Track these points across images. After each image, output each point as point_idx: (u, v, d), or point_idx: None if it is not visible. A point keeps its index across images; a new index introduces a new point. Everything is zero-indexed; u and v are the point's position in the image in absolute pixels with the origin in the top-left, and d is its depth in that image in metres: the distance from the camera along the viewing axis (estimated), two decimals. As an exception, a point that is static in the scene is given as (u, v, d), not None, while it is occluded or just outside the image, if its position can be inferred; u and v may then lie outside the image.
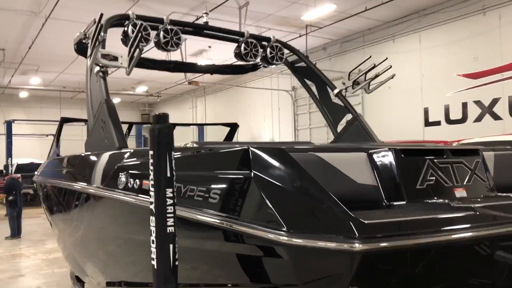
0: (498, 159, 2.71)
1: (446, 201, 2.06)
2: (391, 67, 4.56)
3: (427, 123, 11.95)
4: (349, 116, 4.61)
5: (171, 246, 1.80)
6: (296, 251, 1.61)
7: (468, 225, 1.77)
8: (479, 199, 2.24)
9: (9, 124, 17.80)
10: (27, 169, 15.01)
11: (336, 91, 4.71)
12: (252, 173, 1.78)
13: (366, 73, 4.61)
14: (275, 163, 1.79)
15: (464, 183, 2.31)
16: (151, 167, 1.83)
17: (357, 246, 1.50)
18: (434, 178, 2.21)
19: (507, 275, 2.03)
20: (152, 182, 1.83)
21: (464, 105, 11.09)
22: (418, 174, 2.18)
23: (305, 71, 5.03)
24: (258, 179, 1.76)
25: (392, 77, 4.57)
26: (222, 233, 1.90)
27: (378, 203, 2.13)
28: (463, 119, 11.16)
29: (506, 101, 10.28)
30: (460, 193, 2.27)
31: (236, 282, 1.93)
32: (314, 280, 1.61)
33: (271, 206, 1.68)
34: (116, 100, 20.99)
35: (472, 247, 1.83)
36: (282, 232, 1.61)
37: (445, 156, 2.31)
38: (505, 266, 1.90)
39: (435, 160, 2.25)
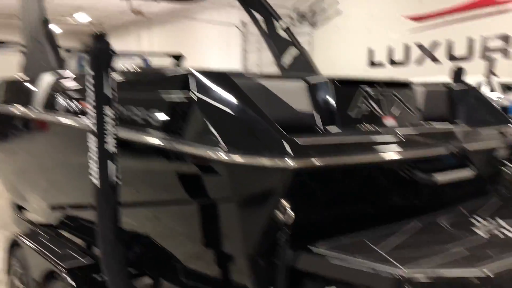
0: (427, 94, 2.90)
1: (376, 128, 2.22)
2: (338, 3, 4.60)
3: (372, 64, 12.26)
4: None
5: (111, 164, 1.84)
6: (234, 168, 1.70)
7: (392, 148, 1.94)
8: (406, 127, 2.42)
9: None
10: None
11: (283, 25, 4.71)
12: (194, 95, 1.82)
13: (312, 8, 4.63)
14: (216, 86, 1.84)
15: (394, 112, 2.48)
16: (91, 87, 1.83)
17: (290, 163, 1.62)
18: (367, 107, 2.36)
19: (425, 194, 2.26)
20: (91, 102, 1.84)
21: (407, 48, 11.43)
22: (352, 103, 2.32)
23: (253, 2, 4.96)
24: (199, 101, 1.81)
25: (337, 13, 4.62)
26: (164, 153, 1.96)
27: (314, 128, 2.26)
28: (405, 61, 11.54)
29: (446, 46, 10.68)
30: (389, 122, 2.44)
31: (178, 200, 2.02)
32: (250, 195, 1.73)
33: (211, 127, 1.74)
34: (57, 30, 19.84)
35: (395, 168, 2.01)
36: (221, 151, 1.69)
37: (378, 88, 2.45)
38: (424, 186, 2.10)
39: (369, 91, 2.39)
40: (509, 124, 2.79)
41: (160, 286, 2.50)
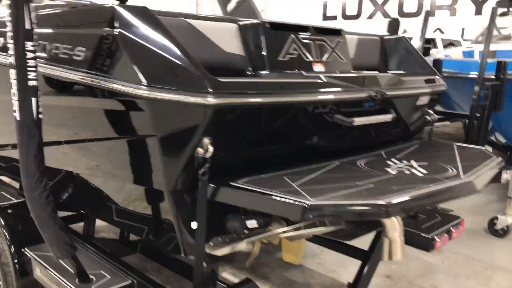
0: (359, 43, 2.99)
1: (303, 72, 2.30)
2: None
3: (325, 17, 12.29)
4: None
5: (33, 99, 1.83)
6: (155, 105, 1.74)
7: (313, 90, 2.02)
8: (333, 73, 2.51)
9: None
10: None
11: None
12: (117, 30, 1.81)
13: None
14: (139, 22, 1.83)
15: (323, 59, 2.55)
16: (9, 19, 1.78)
17: (210, 100, 1.67)
18: (296, 52, 2.41)
19: (345, 137, 2.39)
20: (11, 35, 1.79)
21: (360, 1, 11.51)
22: (282, 47, 2.36)
23: None
24: (121, 36, 1.80)
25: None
26: (88, 89, 1.96)
27: (244, 72, 2.31)
28: (357, 15, 11.64)
29: (398, 2, 10.84)
30: (318, 67, 2.52)
31: (104, 137, 2.04)
32: (171, 131, 1.78)
33: (132, 63, 1.76)
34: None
35: (315, 109, 2.11)
36: (142, 87, 1.72)
37: (308, 33, 2.50)
38: (343, 128, 2.22)
39: (299, 36, 2.44)
40: (434, 75, 2.94)
41: (91, 222, 2.56)
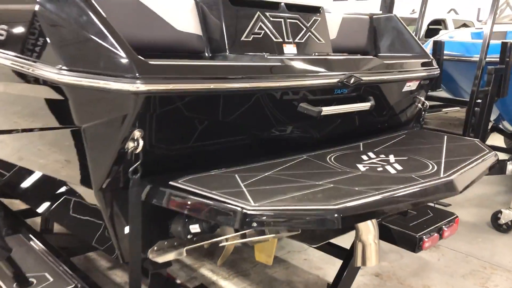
0: (344, 22, 2.70)
1: (266, 54, 2.03)
2: None
3: (335, -2, 11.87)
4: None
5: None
6: (77, 91, 1.51)
7: (268, 75, 1.76)
8: (307, 55, 2.24)
9: None
10: None
11: None
12: (37, 6, 1.58)
13: None
14: None
15: (296, 40, 2.28)
16: None
17: (139, 86, 1.43)
18: (262, 31, 2.15)
19: (314, 128, 2.13)
20: None
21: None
22: (245, 26, 2.10)
23: None
24: (41, 12, 1.57)
25: None
26: (9, 73, 1.73)
27: (200, 54, 2.06)
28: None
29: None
30: (290, 49, 2.25)
31: (28, 127, 1.83)
32: (97, 122, 1.55)
33: (52, 43, 1.53)
34: None
35: (272, 97, 1.84)
36: (62, 71, 1.49)
37: (279, 10, 2.23)
38: (309, 118, 1.96)
39: (267, 14, 2.17)
40: (426, 58, 2.65)
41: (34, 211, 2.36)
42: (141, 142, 1.50)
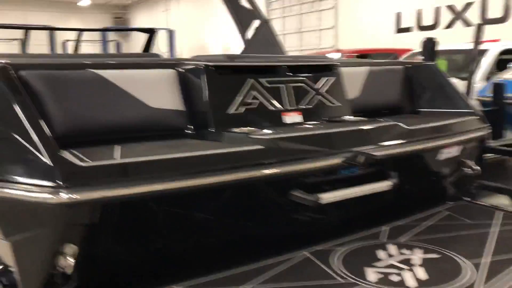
0: (369, 75, 2.31)
1: (252, 131, 1.68)
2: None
3: (399, 30, 11.29)
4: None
5: None
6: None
7: (236, 164, 1.43)
8: (316, 124, 1.87)
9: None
10: None
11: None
12: None
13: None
14: None
15: (302, 106, 1.93)
16: None
17: (64, 196, 1.17)
18: (257, 101, 1.83)
19: (311, 220, 1.74)
20: None
21: (437, 10, 10.38)
22: (235, 96, 1.79)
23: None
24: None
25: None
26: None
27: (182, 131, 1.77)
28: (434, 25, 10.50)
29: (479, 6, 9.58)
30: (292, 118, 1.90)
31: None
32: (22, 235, 1.30)
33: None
34: (86, 1, 19.96)
35: (253, 188, 1.50)
36: None
37: (278, 75, 1.91)
38: (304, 210, 1.59)
39: (261, 80, 1.85)
40: (471, 116, 2.17)
41: None
42: (71, 261, 1.22)
